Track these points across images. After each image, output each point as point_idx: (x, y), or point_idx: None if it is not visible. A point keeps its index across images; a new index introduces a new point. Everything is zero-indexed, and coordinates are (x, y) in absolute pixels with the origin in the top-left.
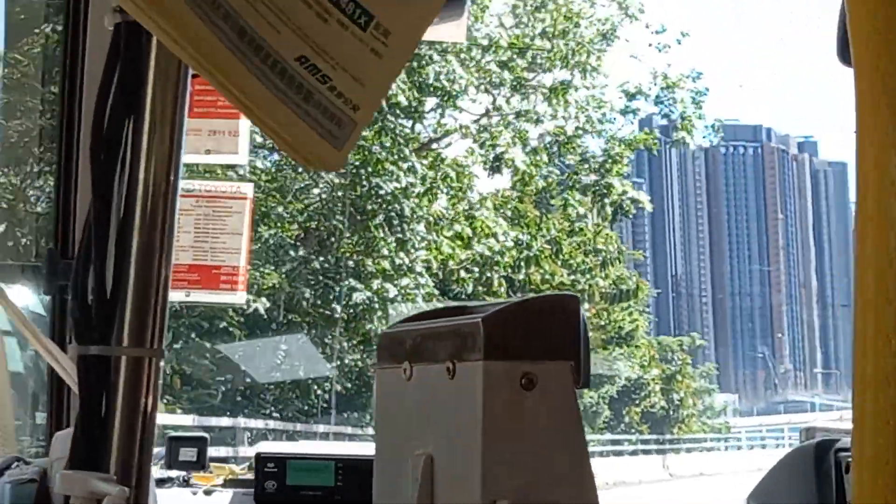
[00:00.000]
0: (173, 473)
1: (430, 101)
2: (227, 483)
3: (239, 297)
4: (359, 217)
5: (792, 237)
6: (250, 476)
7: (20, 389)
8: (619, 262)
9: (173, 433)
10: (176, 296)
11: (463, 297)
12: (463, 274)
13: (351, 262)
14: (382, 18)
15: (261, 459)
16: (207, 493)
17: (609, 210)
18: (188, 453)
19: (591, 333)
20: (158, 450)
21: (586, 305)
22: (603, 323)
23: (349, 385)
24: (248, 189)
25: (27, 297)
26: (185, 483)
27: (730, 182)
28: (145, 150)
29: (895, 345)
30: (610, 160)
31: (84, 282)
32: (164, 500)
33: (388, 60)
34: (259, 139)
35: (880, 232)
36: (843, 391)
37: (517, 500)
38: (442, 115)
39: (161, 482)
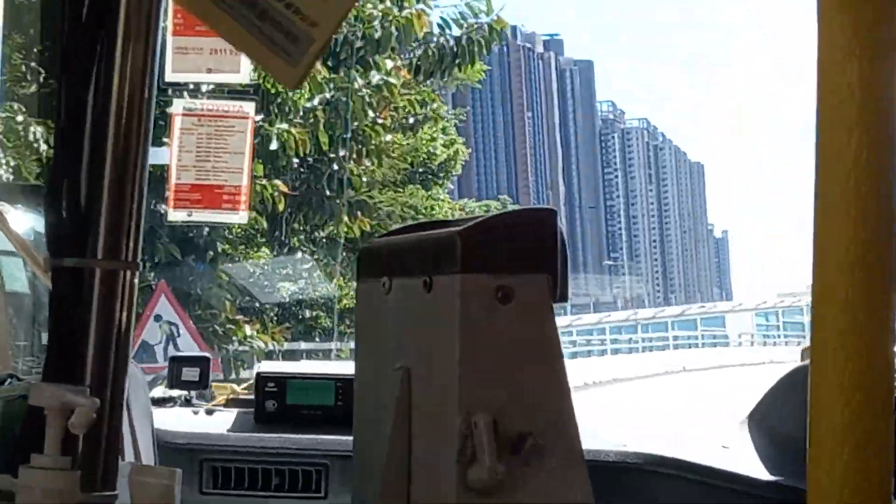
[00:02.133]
0: (175, 393)
1: None
2: (229, 403)
3: (241, 217)
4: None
5: (539, 138)
6: (251, 396)
7: (22, 310)
8: None
9: (176, 353)
10: (178, 215)
11: None
12: None
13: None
14: None
15: (261, 379)
16: (209, 412)
17: None
18: (190, 373)
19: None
20: (163, 371)
21: None
22: None
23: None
24: (249, 108)
25: (30, 216)
26: (187, 403)
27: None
28: (119, 63)
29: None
30: None
31: (58, 195)
32: (164, 420)
33: None
34: None
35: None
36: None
37: (493, 412)
38: None
39: (163, 401)
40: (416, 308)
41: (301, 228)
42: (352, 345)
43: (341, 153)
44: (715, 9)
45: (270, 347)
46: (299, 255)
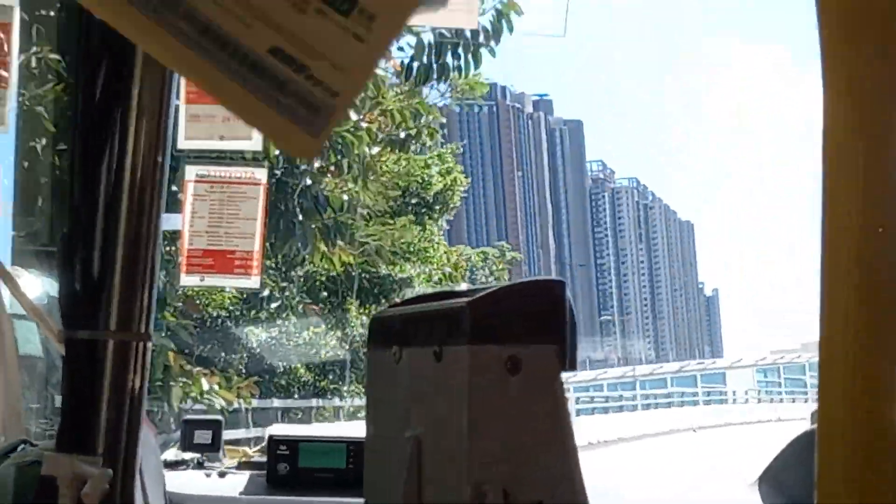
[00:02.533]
0: (188, 455)
1: None
2: (241, 465)
3: (253, 282)
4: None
5: (529, 196)
6: (263, 458)
7: (35, 373)
8: None
9: (189, 416)
10: (191, 280)
11: None
12: None
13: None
14: (366, 3)
15: (273, 442)
16: (221, 475)
17: None
18: (203, 436)
19: None
20: (175, 433)
21: None
22: None
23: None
24: (262, 174)
25: (44, 281)
26: (200, 465)
27: (465, 140)
28: (133, 135)
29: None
30: None
31: (71, 266)
32: (177, 483)
33: (372, 45)
34: None
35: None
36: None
37: (503, 482)
38: None
39: (176, 464)
40: (426, 377)
41: (270, 263)
42: (335, 402)
43: (315, 164)
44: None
45: (236, 405)
46: (267, 292)
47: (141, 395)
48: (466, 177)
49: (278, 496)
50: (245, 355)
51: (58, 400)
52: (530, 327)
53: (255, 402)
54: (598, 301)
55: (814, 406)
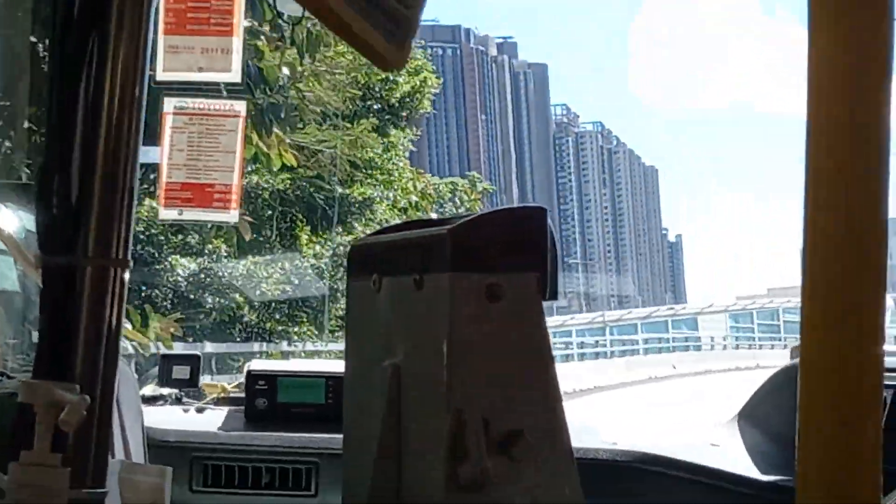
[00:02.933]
0: (166, 391)
1: None
2: (219, 400)
3: (232, 216)
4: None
5: (493, 141)
6: (242, 394)
7: (12, 308)
8: None
9: (167, 351)
10: (169, 214)
11: None
12: None
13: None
14: None
15: (251, 377)
16: (199, 410)
17: None
18: (181, 371)
19: None
20: (153, 370)
21: None
22: None
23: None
24: (241, 107)
25: (21, 214)
26: (178, 401)
27: None
28: (111, 60)
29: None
30: None
31: (49, 192)
32: (155, 418)
33: None
34: None
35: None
36: None
37: (484, 411)
38: None
39: (154, 399)
40: (406, 306)
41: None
42: (283, 346)
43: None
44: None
45: (154, 349)
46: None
47: (119, 323)
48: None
49: (256, 431)
50: (170, 290)
51: (35, 335)
52: (511, 255)
53: (179, 347)
54: (560, 247)
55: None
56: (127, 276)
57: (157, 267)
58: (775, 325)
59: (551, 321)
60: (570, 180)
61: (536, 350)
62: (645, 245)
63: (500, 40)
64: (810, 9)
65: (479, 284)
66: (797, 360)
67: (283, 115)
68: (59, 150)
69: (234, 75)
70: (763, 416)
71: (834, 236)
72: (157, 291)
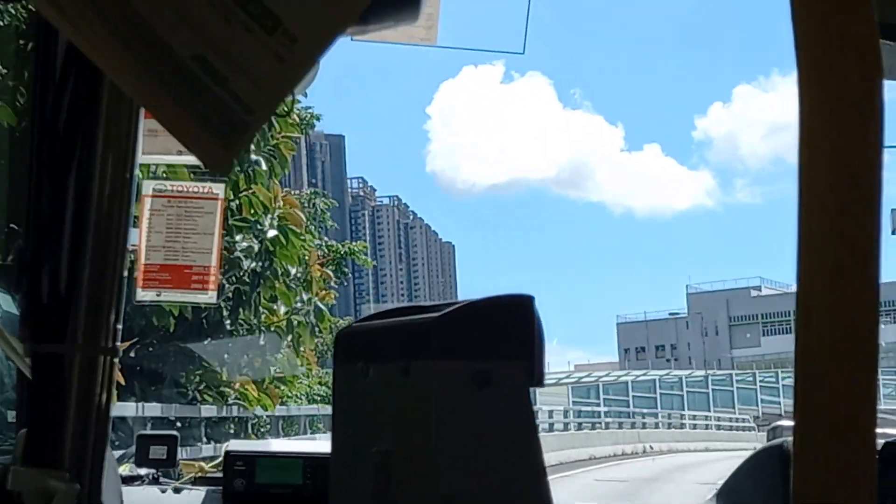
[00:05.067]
0: (143, 471)
1: None
2: (197, 481)
3: (210, 297)
4: None
5: None
6: (219, 474)
7: None
8: None
9: (144, 431)
10: (147, 295)
11: None
12: None
13: None
14: (290, 25)
15: (230, 457)
16: (177, 490)
17: None
18: (158, 451)
19: None
20: (130, 448)
21: None
22: None
23: None
24: (219, 189)
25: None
26: (155, 481)
27: None
28: (101, 150)
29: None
30: None
31: (38, 280)
32: (133, 499)
33: (291, 67)
34: None
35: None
36: None
37: (472, 497)
38: None
39: (131, 480)
40: (394, 393)
41: None
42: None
43: None
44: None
45: None
46: None
47: (107, 410)
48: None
49: None
50: None
51: (10, 415)
52: (499, 342)
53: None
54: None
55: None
56: (116, 363)
57: None
58: (625, 400)
59: None
60: (365, 255)
61: (524, 435)
62: None
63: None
64: (799, 67)
65: (467, 372)
66: (775, 441)
67: None
68: (49, 238)
69: None
70: (741, 497)
71: (826, 312)
72: None
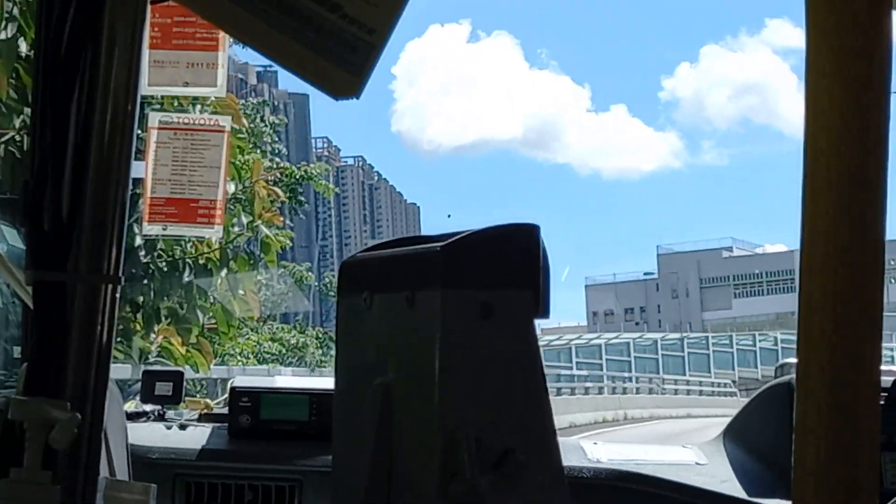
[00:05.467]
0: (148, 407)
1: None
2: (202, 417)
3: (216, 231)
4: None
5: None
6: (225, 410)
7: None
8: None
9: (149, 367)
10: (153, 228)
11: None
12: None
13: None
14: None
15: (235, 393)
16: (182, 427)
17: None
18: (164, 387)
19: None
20: (135, 386)
21: None
22: None
23: None
24: (225, 122)
25: (5, 230)
26: (160, 417)
27: None
28: (102, 78)
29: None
30: None
31: (40, 208)
32: (138, 434)
33: None
34: None
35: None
36: None
37: (476, 429)
38: None
39: (136, 416)
40: (398, 323)
41: None
42: None
43: None
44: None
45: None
46: None
47: (110, 340)
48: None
49: (240, 448)
50: None
51: (15, 351)
52: (504, 272)
53: None
54: (319, 284)
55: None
56: (118, 292)
57: None
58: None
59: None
60: (329, 215)
61: (529, 368)
62: None
63: (261, 69)
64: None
65: (472, 302)
66: (782, 378)
67: None
68: (50, 166)
69: (220, 90)
70: (749, 435)
71: (830, 252)
72: None
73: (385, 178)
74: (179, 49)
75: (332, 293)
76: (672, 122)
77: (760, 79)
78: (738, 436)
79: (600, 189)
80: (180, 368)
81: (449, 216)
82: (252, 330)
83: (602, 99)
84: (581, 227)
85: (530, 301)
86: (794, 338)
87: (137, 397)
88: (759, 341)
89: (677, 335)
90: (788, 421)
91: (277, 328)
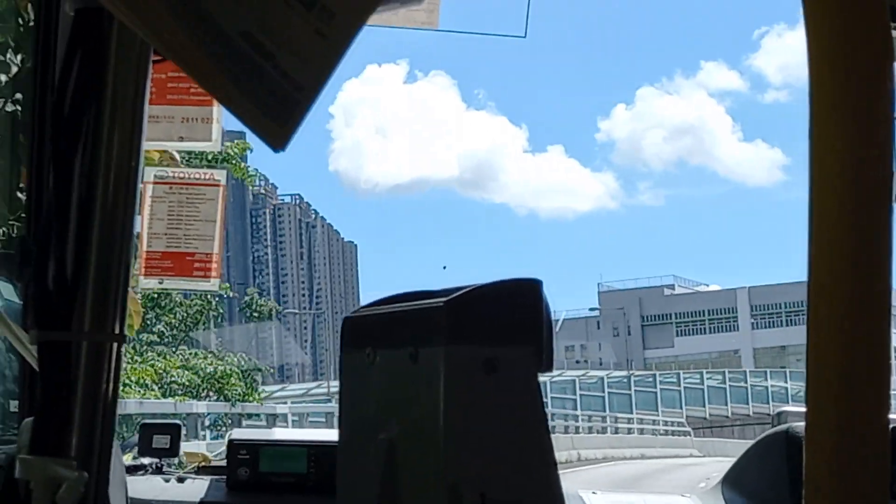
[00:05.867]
0: (146, 460)
1: None
2: (200, 470)
3: (212, 284)
4: None
5: None
6: (223, 463)
7: None
8: None
9: (146, 420)
10: (149, 283)
11: None
12: None
13: None
14: (326, 0)
15: (233, 446)
16: (181, 480)
17: None
18: (161, 440)
19: None
20: (132, 438)
21: None
22: None
23: None
24: (221, 175)
25: (1, 285)
26: (158, 470)
27: None
28: (106, 136)
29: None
30: None
31: (44, 267)
32: (137, 488)
33: (332, 42)
34: None
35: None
36: None
37: (480, 485)
38: None
39: (134, 469)
40: (401, 379)
41: None
42: None
43: None
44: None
45: None
46: None
47: (115, 398)
48: None
49: (239, 501)
50: None
51: (12, 405)
52: (508, 328)
53: None
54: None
55: None
56: (122, 350)
57: None
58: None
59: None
60: (266, 253)
61: (533, 422)
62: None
63: None
64: (809, 53)
65: (476, 357)
66: (780, 427)
67: None
68: (53, 224)
69: (215, 144)
70: (747, 484)
71: (838, 299)
72: None
73: (322, 217)
74: (174, 104)
75: (257, 315)
76: (608, 163)
77: (696, 121)
78: (736, 484)
79: (538, 228)
80: (177, 422)
81: (444, 268)
82: (159, 355)
83: (539, 139)
84: (520, 266)
85: (534, 356)
86: (742, 377)
87: (135, 450)
88: (707, 380)
89: (623, 373)
90: (787, 469)
91: (191, 354)
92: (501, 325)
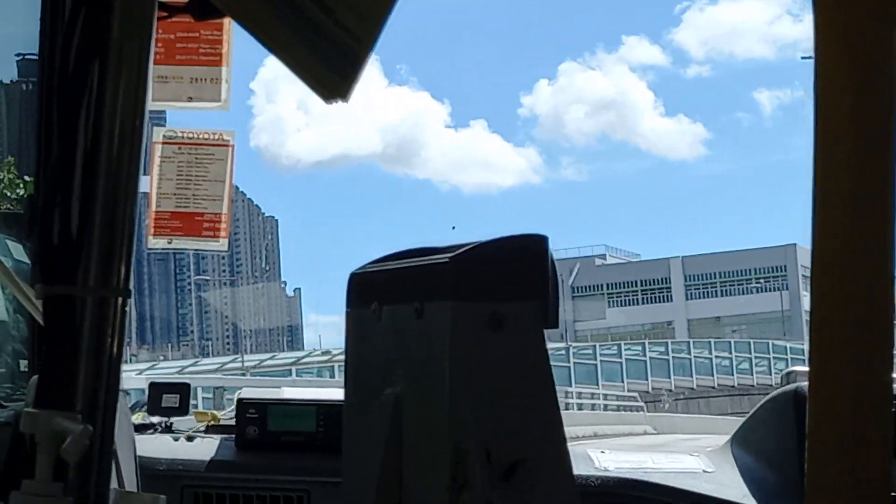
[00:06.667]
0: (156, 419)
1: None
2: (210, 429)
3: (221, 244)
4: None
5: None
6: (232, 422)
7: (3, 337)
8: None
9: (155, 379)
10: (158, 242)
11: None
12: None
13: None
14: None
15: (242, 405)
16: (189, 438)
17: None
18: (170, 399)
19: None
20: (142, 398)
21: None
22: None
23: None
24: (230, 136)
25: (10, 244)
26: (168, 429)
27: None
28: (111, 92)
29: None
30: None
31: (50, 222)
32: (146, 447)
33: None
34: None
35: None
36: None
37: (485, 441)
38: None
39: (143, 428)
40: (407, 335)
41: None
42: None
43: None
44: None
45: None
46: None
47: (119, 352)
48: None
49: (247, 460)
50: None
51: (22, 364)
52: (513, 283)
53: None
54: (175, 298)
55: None
56: (127, 305)
57: None
58: None
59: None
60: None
61: (538, 378)
62: (264, 296)
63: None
64: (816, 24)
65: (481, 313)
66: (789, 386)
67: None
68: (61, 181)
69: (224, 105)
70: (757, 442)
71: (842, 264)
72: None
73: (243, 192)
74: (183, 64)
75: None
76: (531, 138)
77: (618, 95)
78: (745, 443)
79: (461, 204)
80: (186, 381)
81: (454, 227)
82: None
83: (462, 114)
84: (445, 240)
85: (539, 312)
86: (685, 348)
87: (144, 409)
88: (649, 352)
89: (562, 344)
90: (795, 427)
91: None
92: (507, 281)
